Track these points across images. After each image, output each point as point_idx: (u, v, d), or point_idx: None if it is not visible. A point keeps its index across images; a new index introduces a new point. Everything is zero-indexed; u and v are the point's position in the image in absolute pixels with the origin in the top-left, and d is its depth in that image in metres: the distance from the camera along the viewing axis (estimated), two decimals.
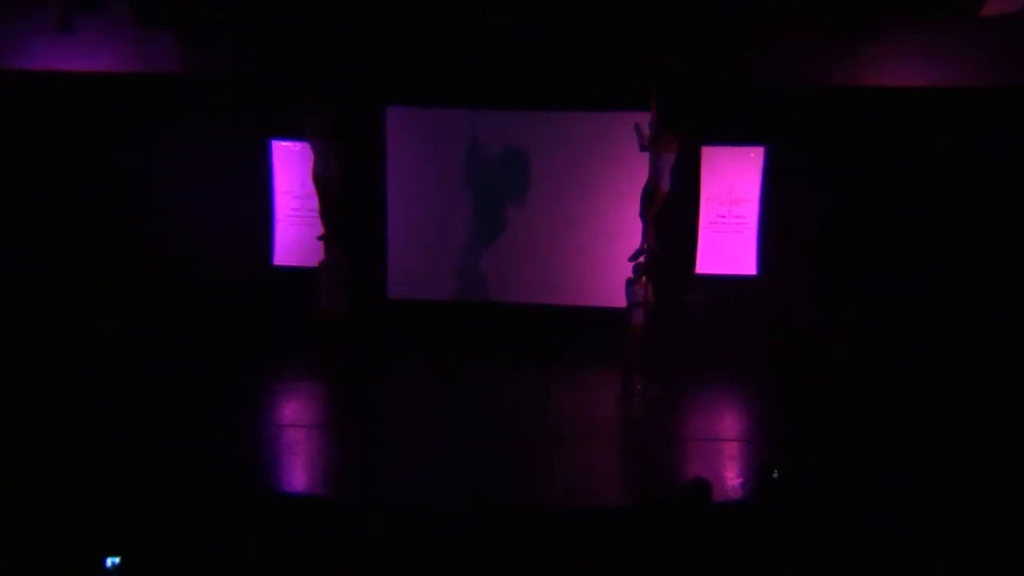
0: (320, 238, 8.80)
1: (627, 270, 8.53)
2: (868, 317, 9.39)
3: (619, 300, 8.61)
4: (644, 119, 8.28)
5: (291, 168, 9.86)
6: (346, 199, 8.83)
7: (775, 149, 9.61)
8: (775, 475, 4.98)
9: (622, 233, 9.18)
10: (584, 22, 8.42)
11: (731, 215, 9.80)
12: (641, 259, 8.42)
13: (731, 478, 6.47)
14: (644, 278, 8.31)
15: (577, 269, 9.91)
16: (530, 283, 9.99)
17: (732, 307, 9.68)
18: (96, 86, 9.21)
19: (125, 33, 8.53)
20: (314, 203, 8.96)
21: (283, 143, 9.87)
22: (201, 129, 9.66)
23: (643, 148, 8.29)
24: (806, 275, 9.59)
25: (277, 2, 8.54)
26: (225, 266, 9.81)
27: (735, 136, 9.54)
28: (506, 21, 8.43)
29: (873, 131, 9.25)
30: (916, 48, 8.42)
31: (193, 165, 9.77)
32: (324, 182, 8.68)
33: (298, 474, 6.68)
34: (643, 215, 8.51)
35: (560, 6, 8.35)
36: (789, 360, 9.25)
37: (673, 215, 8.88)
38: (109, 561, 3.99)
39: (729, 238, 9.82)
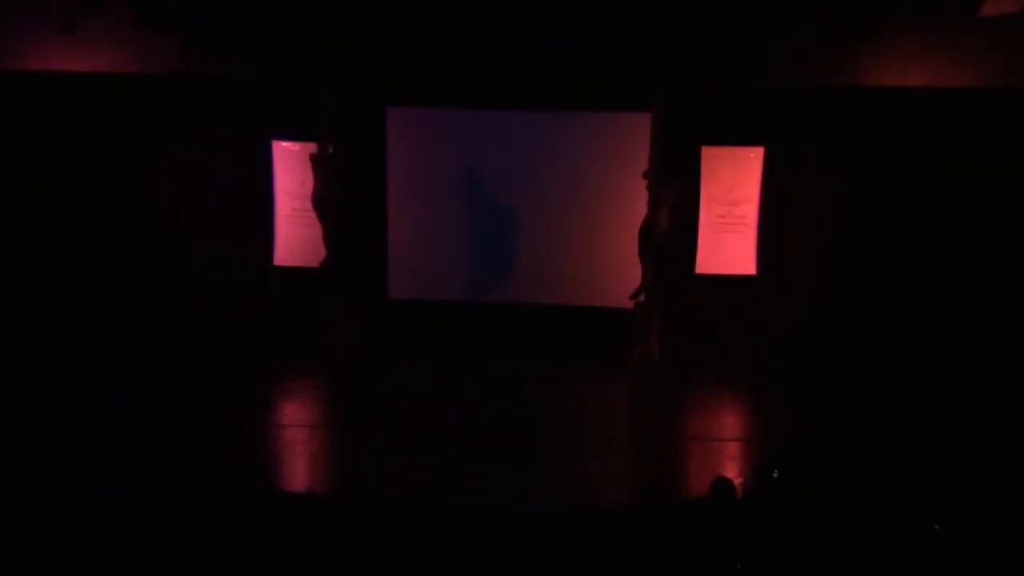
0: (322, 265, 8.82)
1: (630, 270, 8.60)
2: (868, 316, 9.40)
3: (622, 300, 8.64)
4: (643, 119, 8.27)
5: (291, 168, 9.83)
6: (349, 216, 8.85)
7: (775, 149, 9.61)
8: (775, 475, 4.99)
9: (624, 233, 9.17)
10: (584, 22, 8.43)
11: (731, 215, 9.79)
12: (641, 298, 8.40)
13: (731, 478, 6.44)
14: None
15: (579, 269, 9.89)
16: (532, 283, 9.97)
17: (732, 307, 9.68)
18: (97, 86, 9.20)
19: (126, 34, 8.55)
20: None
21: (283, 143, 9.87)
22: (201, 129, 9.65)
23: (646, 176, 8.31)
24: (806, 275, 9.59)
25: (278, 2, 8.55)
26: (225, 266, 9.81)
27: (735, 136, 9.53)
28: (507, 21, 8.44)
29: (873, 131, 9.24)
30: (916, 48, 8.42)
31: (193, 165, 9.77)
32: (325, 204, 8.70)
33: (298, 474, 6.68)
34: (641, 255, 8.42)
35: (561, 6, 8.36)
36: (789, 360, 9.25)
37: (673, 215, 8.89)
38: None
39: (729, 238, 9.81)
